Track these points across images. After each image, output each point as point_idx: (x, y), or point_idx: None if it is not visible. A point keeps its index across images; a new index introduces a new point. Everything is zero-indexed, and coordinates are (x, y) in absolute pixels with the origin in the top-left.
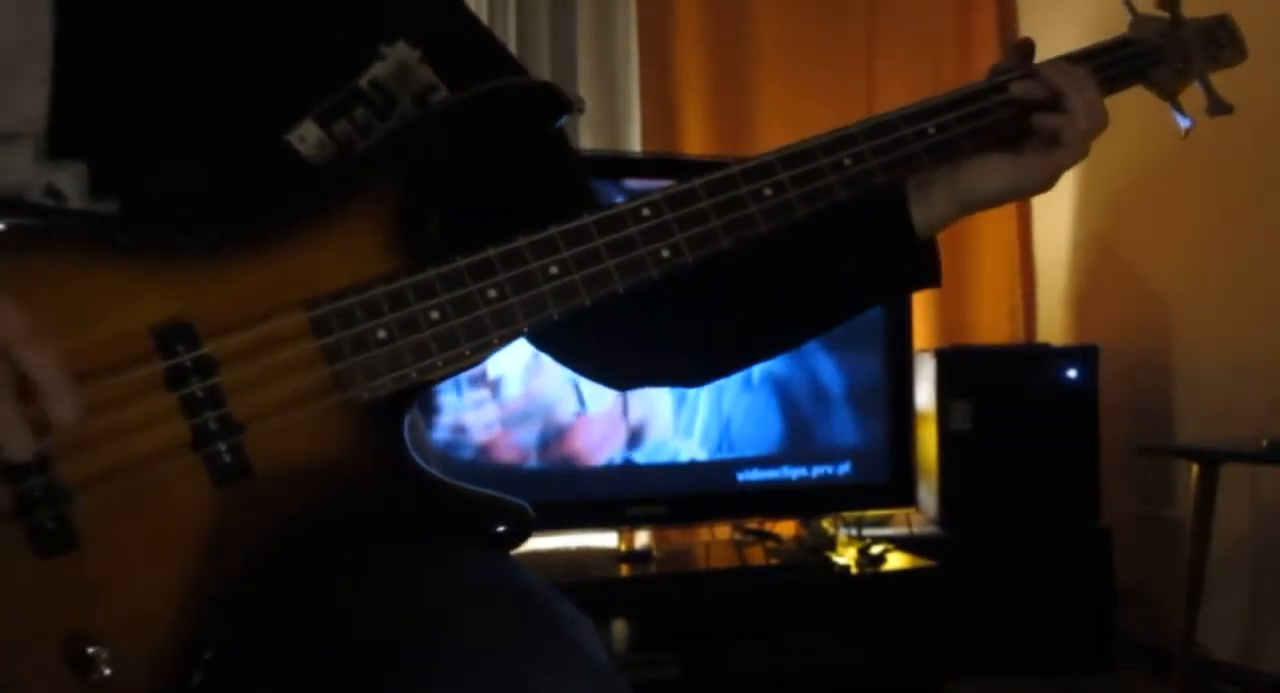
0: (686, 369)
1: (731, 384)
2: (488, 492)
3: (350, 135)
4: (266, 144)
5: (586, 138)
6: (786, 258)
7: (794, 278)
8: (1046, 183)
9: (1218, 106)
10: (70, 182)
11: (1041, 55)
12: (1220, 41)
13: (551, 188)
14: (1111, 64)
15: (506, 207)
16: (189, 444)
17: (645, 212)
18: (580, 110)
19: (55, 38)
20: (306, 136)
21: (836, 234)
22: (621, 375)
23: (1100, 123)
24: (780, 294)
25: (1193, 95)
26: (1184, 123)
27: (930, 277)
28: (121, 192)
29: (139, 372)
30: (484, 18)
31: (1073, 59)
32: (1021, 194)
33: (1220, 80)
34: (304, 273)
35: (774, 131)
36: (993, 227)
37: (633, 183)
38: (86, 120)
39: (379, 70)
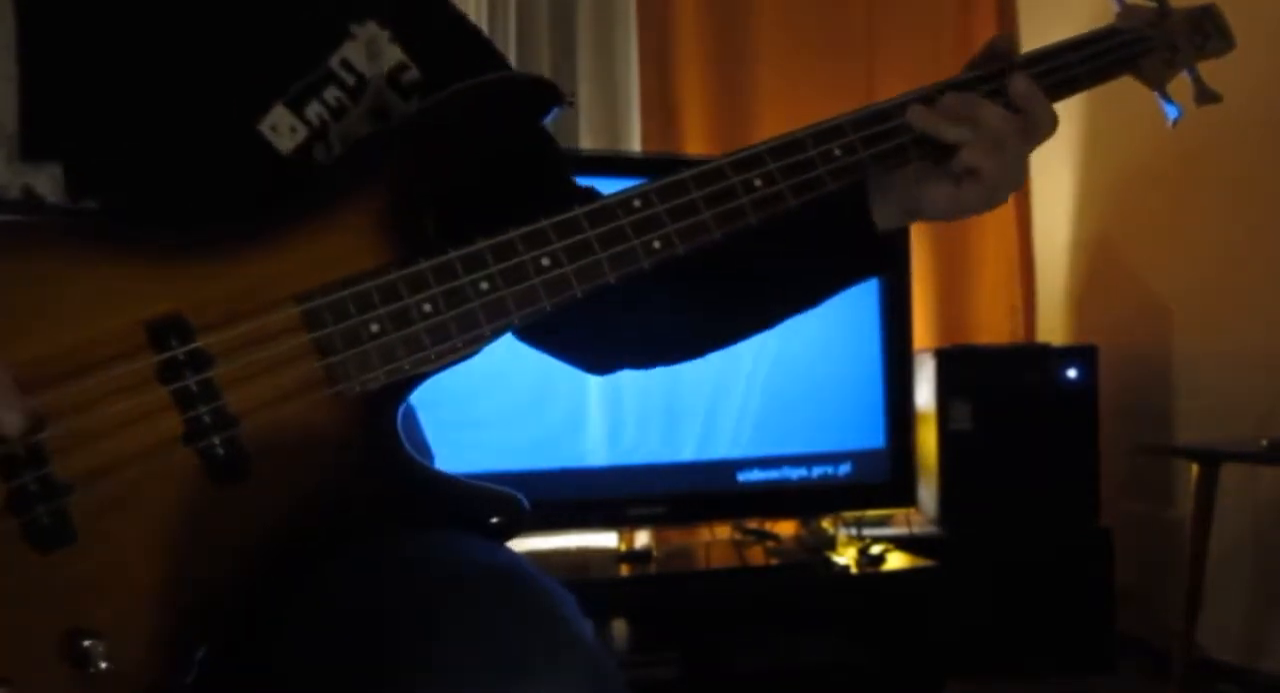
0: (647, 354)
1: (731, 384)
2: (481, 484)
3: (322, 117)
4: (239, 134)
5: (586, 138)
6: (748, 250)
7: (758, 268)
8: (990, 206)
9: (1205, 95)
10: (47, 183)
11: None
12: (1207, 31)
13: (539, 183)
14: (1100, 53)
15: (494, 202)
16: (181, 438)
17: (636, 203)
18: (570, 103)
19: (18, 36)
20: (278, 124)
21: (798, 228)
22: (590, 359)
23: (1013, 146)
24: (744, 282)
25: (1181, 87)
26: (1172, 113)
27: (891, 263)
28: (99, 192)
29: (131, 366)
30: (484, 18)
31: (1060, 49)
32: (965, 215)
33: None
34: (297, 268)
35: (774, 131)
36: (993, 227)
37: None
38: (57, 119)
39: (349, 50)
